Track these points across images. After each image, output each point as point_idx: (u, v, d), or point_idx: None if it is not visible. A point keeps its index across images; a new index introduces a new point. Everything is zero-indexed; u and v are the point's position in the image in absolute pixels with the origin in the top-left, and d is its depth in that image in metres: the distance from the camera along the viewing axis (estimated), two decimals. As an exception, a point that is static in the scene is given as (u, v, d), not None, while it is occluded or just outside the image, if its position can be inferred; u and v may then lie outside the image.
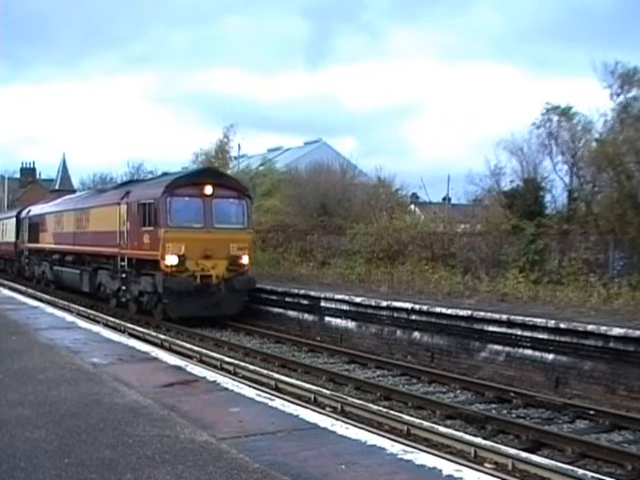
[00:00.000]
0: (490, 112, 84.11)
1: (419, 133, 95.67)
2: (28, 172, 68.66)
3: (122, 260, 20.39)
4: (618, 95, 20.57)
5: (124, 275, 20.49)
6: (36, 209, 33.24)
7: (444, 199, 35.35)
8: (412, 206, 33.26)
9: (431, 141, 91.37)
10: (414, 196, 36.17)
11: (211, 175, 20.18)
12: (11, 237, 36.30)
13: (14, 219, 36.03)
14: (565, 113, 21.97)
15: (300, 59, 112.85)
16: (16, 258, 35.63)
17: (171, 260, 18.01)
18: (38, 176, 69.80)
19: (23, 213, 34.86)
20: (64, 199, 32.64)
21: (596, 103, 21.44)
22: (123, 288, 20.69)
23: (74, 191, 49.54)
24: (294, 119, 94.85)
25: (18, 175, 68.97)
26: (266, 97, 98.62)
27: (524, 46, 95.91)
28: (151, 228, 18.68)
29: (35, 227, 31.64)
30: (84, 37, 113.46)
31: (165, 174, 24.23)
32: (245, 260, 19.26)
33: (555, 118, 22.09)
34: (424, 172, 41.98)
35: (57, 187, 60.55)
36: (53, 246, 28.52)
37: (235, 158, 37.37)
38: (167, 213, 18.34)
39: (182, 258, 18.10)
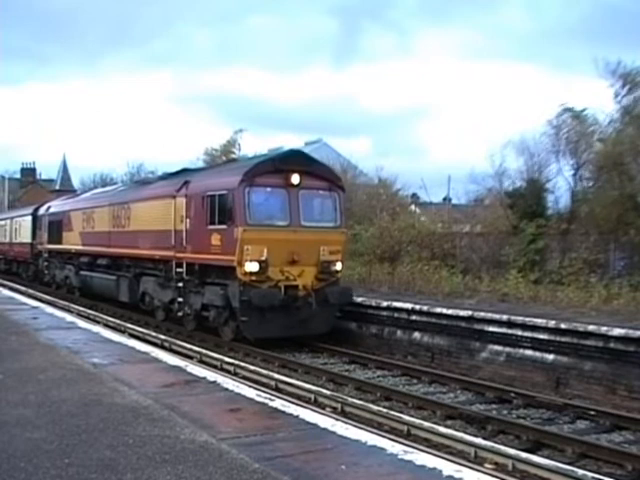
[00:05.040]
0: (509, 113, 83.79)
1: (436, 133, 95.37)
2: (28, 172, 68.79)
3: (179, 266, 16.89)
4: (622, 96, 20.63)
5: (181, 284, 16.99)
6: (58, 205, 29.80)
7: (444, 199, 35.33)
8: (412, 206, 33.30)
9: (448, 141, 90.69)
10: (414, 196, 36.19)
11: (298, 160, 15.96)
12: (26, 237, 33.15)
13: (30, 217, 32.82)
14: (579, 115, 22.02)
15: (325, 58, 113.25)
16: (32, 261, 32.42)
17: (251, 267, 14.60)
18: (38, 176, 69.93)
19: (41, 210, 31.41)
20: (94, 193, 29.17)
21: (603, 103, 21.50)
22: (179, 300, 17.24)
23: (74, 191, 49.42)
24: (310, 118, 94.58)
25: (18, 175, 69.08)
26: (285, 96, 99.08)
27: (549, 46, 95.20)
28: (223, 226, 15.14)
29: (57, 226, 28.00)
30: (108, 35, 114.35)
31: (231, 161, 19.59)
32: (338, 267, 15.93)
33: (568, 120, 22.18)
34: (438, 172, 42.03)
35: (57, 187, 60.72)
36: (80, 247, 25.06)
37: (236, 158, 37.42)
38: (246, 207, 14.76)
39: (264, 264, 14.69)
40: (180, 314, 17.41)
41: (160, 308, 18.87)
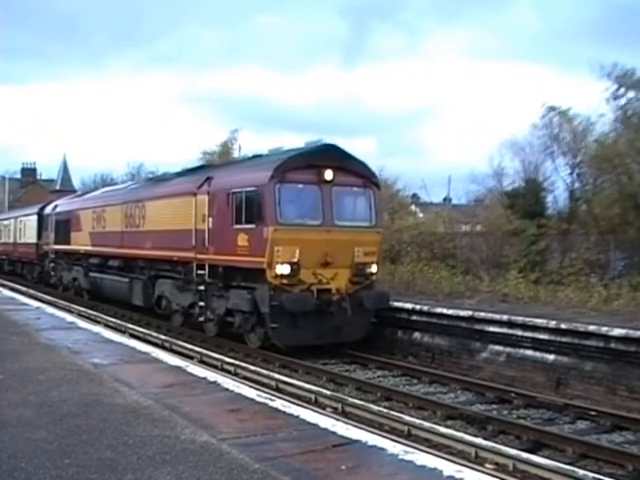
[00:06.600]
0: (513, 113, 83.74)
1: (440, 134, 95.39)
2: (29, 172, 68.91)
3: (200, 268, 15.85)
4: (618, 97, 20.69)
5: (202, 287, 15.96)
6: (65, 204, 28.73)
7: (445, 199, 35.39)
8: (413, 206, 33.37)
9: (452, 142, 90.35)
10: (415, 197, 36.24)
11: (332, 155, 14.74)
12: (31, 237, 32.30)
13: (35, 217, 32.06)
14: (564, 114, 22.10)
15: (333, 58, 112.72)
16: (37, 262, 31.57)
17: (282, 269, 13.64)
18: (39, 176, 70.03)
19: (48, 209, 30.35)
20: (104, 191, 28.02)
21: (601, 104, 21.53)
22: (200, 304, 16.19)
23: (75, 191, 49.38)
24: (316, 118, 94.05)
25: (19, 175, 69.18)
26: (291, 97, 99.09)
27: (558, 46, 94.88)
28: (251, 226, 14.15)
29: (65, 225, 26.89)
30: (114, 34, 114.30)
31: (257, 156, 18.45)
32: (373, 269, 14.95)
33: (556, 119, 22.27)
34: (440, 173, 42.18)
35: (58, 187, 60.82)
36: (90, 248, 23.95)
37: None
38: (276, 205, 13.79)
39: (295, 266, 13.75)
40: (201, 319, 16.38)
41: (178, 313, 17.84)
